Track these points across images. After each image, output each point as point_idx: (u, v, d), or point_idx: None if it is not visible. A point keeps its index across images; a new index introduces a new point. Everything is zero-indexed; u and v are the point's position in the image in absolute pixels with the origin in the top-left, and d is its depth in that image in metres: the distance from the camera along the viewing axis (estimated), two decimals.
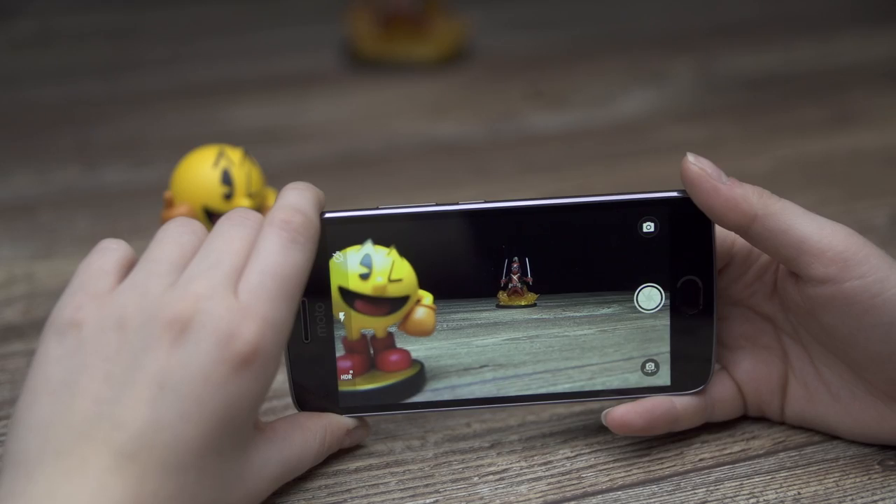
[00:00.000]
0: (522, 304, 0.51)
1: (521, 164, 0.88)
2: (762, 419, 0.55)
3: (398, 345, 0.51)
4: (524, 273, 0.51)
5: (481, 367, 0.52)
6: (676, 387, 0.53)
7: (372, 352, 0.51)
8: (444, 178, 0.86)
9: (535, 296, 0.51)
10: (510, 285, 0.51)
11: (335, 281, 0.50)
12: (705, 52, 1.11)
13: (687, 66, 1.07)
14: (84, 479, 0.41)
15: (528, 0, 1.30)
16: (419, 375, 0.51)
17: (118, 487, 0.41)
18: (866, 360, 0.50)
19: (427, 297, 0.50)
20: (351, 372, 0.51)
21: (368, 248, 0.49)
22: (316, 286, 0.50)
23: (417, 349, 0.51)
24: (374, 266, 0.49)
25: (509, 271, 0.51)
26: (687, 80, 1.04)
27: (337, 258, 0.50)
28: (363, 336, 0.50)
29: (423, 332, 0.51)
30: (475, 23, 1.14)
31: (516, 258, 0.51)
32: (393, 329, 0.51)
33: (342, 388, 0.52)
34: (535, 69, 1.08)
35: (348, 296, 0.50)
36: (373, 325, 0.50)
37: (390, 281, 0.49)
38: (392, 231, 0.50)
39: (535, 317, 0.52)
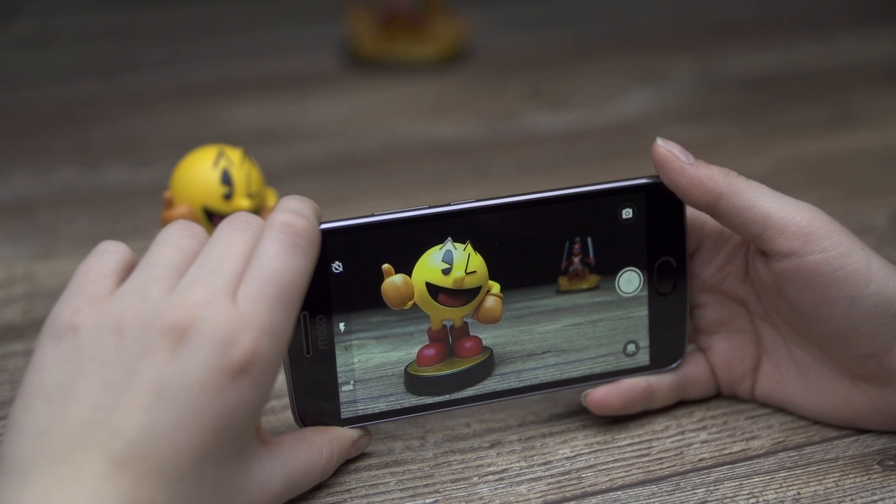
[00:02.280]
0: (584, 287, 0.53)
1: (520, 164, 0.88)
2: (762, 418, 0.55)
3: (471, 332, 0.53)
4: (586, 255, 0.53)
5: (544, 353, 0.54)
6: (655, 365, 0.55)
7: (450, 340, 0.53)
8: (444, 179, 0.86)
9: (598, 277, 0.53)
10: (571, 268, 0.53)
11: (422, 277, 0.51)
12: (705, 52, 1.11)
13: (687, 66, 1.07)
14: (78, 486, 0.41)
15: (528, 0, 1.30)
16: (489, 360, 0.53)
17: (113, 495, 0.41)
18: (831, 335, 0.51)
19: (495, 287, 0.52)
20: (431, 360, 0.53)
21: (449, 244, 0.51)
22: (316, 299, 0.50)
23: (486, 336, 0.53)
24: (454, 261, 0.51)
25: (570, 254, 0.52)
26: (687, 81, 1.04)
27: (336, 267, 0.50)
28: (444, 326, 0.52)
29: (493, 320, 0.53)
30: (475, 23, 1.14)
31: (577, 239, 0.52)
32: (468, 318, 0.53)
33: (419, 373, 0.53)
34: (534, 69, 1.08)
35: (433, 290, 0.52)
36: (452, 315, 0.52)
37: (467, 273, 0.51)
38: (464, 227, 0.51)
39: (598, 300, 0.54)
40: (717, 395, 0.57)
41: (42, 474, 0.41)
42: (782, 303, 0.52)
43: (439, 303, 0.52)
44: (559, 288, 0.53)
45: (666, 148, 0.52)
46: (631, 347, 0.55)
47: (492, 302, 0.52)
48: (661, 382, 0.55)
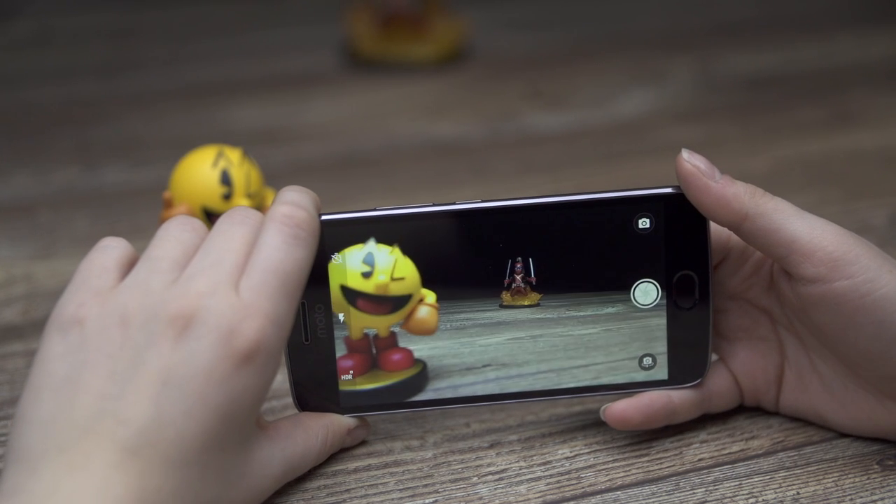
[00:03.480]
0: (525, 303, 0.51)
1: (520, 164, 0.88)
2: (761, 418, 0.55)
3: (401, 344, 0.51)
4: (527, 273, 0.51)
5: (484, 366, 0.52)
6: (674, 380, 0.53)
7: (374, 351, 0.51)
8: (444, 179, 0.86)
9: (539, 295, 0.51)
10: (513, 285, 0.51)
11: (336, 279, 0.50)
12: (705, 52, 1.11)
13: (686, 65, 1.07)
14: (87, 475, 0.41)
15: (528, 0, 1.30)
16: (421, 375, 0.51)
17: (121, 483, 0.42)
18: (857, 356, 0.50)
19: (430, 296, 0.50)
20: (352, 372, 0.51)
21: (371, 246, 0.49)
22: (315, 287, 0.50)
23: (420, 348, 0.51)
24: (376, 264, 0.49)
25: (512, 271, 0.51)
26: (686, 80, 1.04)
27: (336, 259, 0.50)
28: (366, 335, 0.51)
29: (426, 331, 0.51)
30: (474, 23, 1.14)
31: (519, 258, 0.51)
32: (396, 328, 0.51)
33: (343, 387, 0.52)
34: (534, 69, 1.08)
35: (350, 294, 0.50)
36: (375, 324, 0.50)
37: (392, 279, 0.49)
38: (393, 231, 0.50)
39: (539, 316, 0.52)
40: (743, 417, 0.56)
41: (51, 463, 0.42)
42: (807, 321, 0.51)
43: (358, 309, 0.50)
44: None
45: (692, 163, 0.50)
46: (647, 360, 0.53)
47: (425, 312, 0.50)
48: (683, 398, 0.53)
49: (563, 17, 1.24)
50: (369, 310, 0.50)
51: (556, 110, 0.98)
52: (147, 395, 0.43)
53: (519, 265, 0.51)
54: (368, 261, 0.49)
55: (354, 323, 0.50)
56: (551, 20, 1.23)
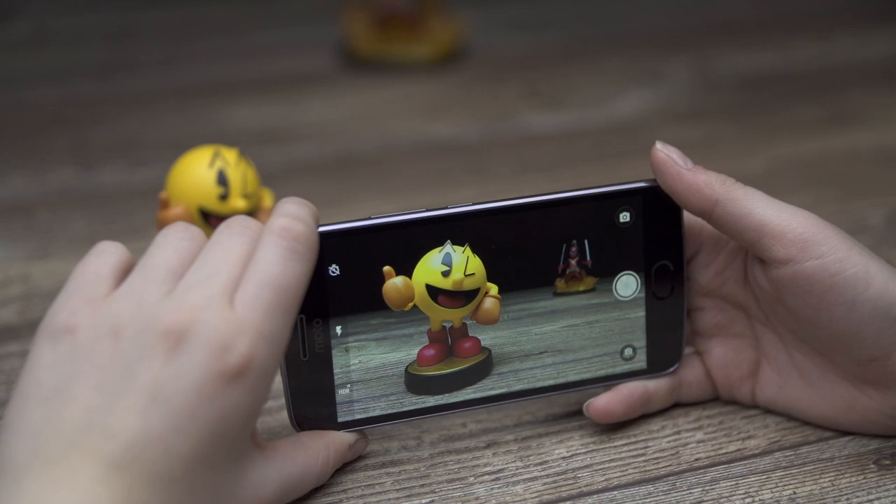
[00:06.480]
0: (581, 289, 0.53)
1: (517, 164, 0.88)
2: (758, 417, 0.55)
3: (470, 333, 0.53)
4: (583, 257, 0.53)
5: (541, 353, 0.54)
6: (652, 369, 0.55)
7: (450, 341, 0.53)
8: (441, 179, 0.86)
9: (595, 280, 0.53)
10: (568, 271, 0.53)
11: (422, 279, 0.52)
12: (702, 52, 1.11)
13: (683, 65, 1.07)
14: (72, 489, 0.41)
15: (526, 0, 1.30)
16: (488, 360, 0.54)
17: (106, 498, 0.41)
18: (832, 340, 0.51)
19: (494, 289, 0.53)
20: (432, 359, 0.54)
21: (448, 247, 0.52)
22: (313, 302, 0.50)
23: (485, 337, 0.53)
24: (453, 263, 0.52)
25: (567, 256, 0.53)
26: (683, 80, 1.04)
27: (332, 270, 0.50)
28: (443, 327, 0.53)
29: (491, 321, 0.53)
30: (471, 23, 1.14)
31: (574, 241, 0.53)
32: (466, 319, 0.53)
33: (420, 372, 0.53)
34: (531, 69, 1.08)
35: (433, 291, 0.52)
36: (451, 316, 0.53)
37: (465, 275, 0.52)
38: (463, 231, 0.52)
39: (596, 302, 0.54)
40: (715, 399, 0.57)
41: (36, 476, 0.41)
42: (782, 309, 0.52)
43: (439, 304, 0.52)
44: (556, 290, 0.53)
45: (664, 152, 0.52)
46: (628, 351, 0.55)
47: (490, 303, 0.53)
48: (657, 386, 0.55)
49: (561, 18, 1.24)
50: (448, 304, 0.52)
51: (553, 110, 0.98)
52: (135, 409, 0.42)
53: (574, 249, 0.53)
54: (446, 261, 0.52)
55: (435, 316, 0.52)
56: (549, 20, 1.23)
